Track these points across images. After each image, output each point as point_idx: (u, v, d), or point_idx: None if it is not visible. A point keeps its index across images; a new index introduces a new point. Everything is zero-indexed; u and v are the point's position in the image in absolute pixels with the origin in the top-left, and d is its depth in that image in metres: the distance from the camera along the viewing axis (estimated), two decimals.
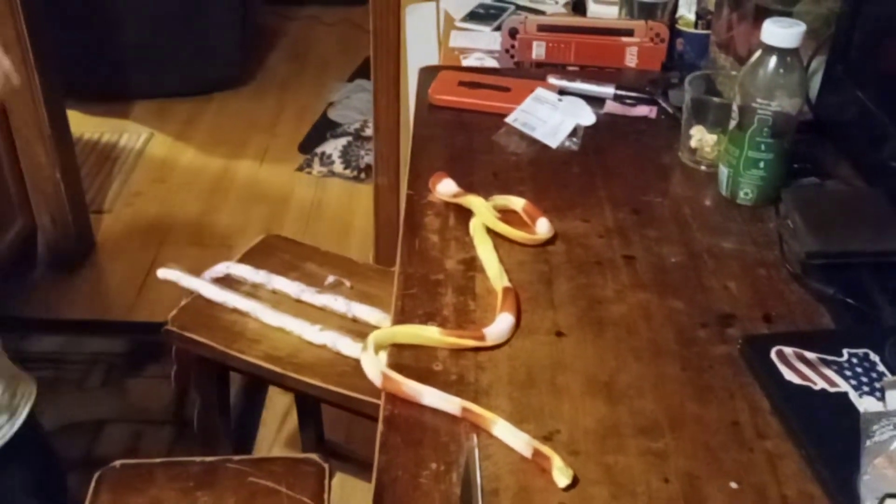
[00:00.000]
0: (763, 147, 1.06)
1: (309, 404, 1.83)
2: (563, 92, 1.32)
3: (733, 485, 0.73)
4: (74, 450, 1.97)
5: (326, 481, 1.20)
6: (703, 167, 1.17)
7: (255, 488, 1.18)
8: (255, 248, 1.63)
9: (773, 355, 0.83)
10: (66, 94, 2.57)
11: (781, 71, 1.03)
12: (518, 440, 0.75)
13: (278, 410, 2.11)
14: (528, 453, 0.75)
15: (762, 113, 1.04)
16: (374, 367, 0.82)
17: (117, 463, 1.21)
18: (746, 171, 1.08)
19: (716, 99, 1.18)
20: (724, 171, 1.11)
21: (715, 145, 1.15)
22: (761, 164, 1.07)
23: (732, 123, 1.08)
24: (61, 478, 1.38)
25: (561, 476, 0.72)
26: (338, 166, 3.02)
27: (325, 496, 1.18)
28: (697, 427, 0.78)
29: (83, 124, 3.21)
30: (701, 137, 1.16)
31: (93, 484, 1.18)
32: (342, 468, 1.92)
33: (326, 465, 1.22)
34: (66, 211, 2.49)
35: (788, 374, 0.81)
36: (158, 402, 2.12)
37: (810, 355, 0.83)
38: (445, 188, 1.08)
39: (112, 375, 2.20)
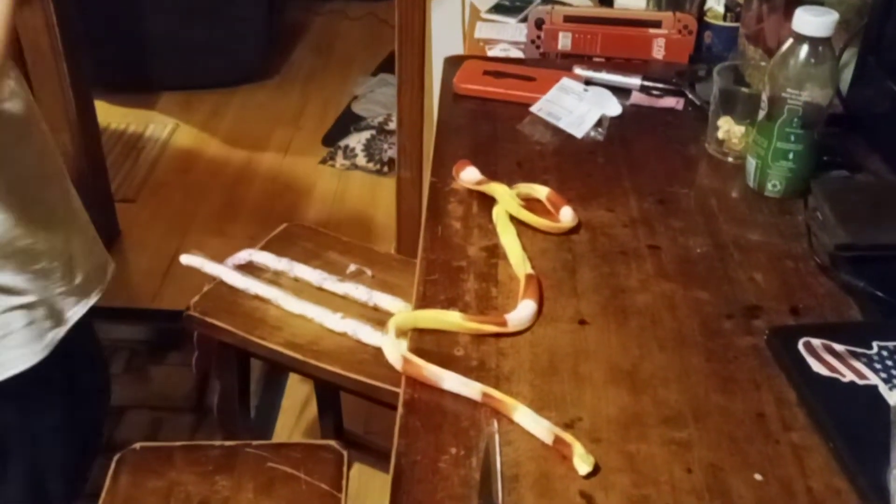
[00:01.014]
0: (792, 138, 1.04)
1: (328, 393, 1.83)
2: (588, 82, 1.31)
3: (758, 476, 0.72)
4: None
5: (345, 468, 1.20)
6: (730, 159, 1.16)
7: (274, 474, 1.18)
8: (277, 235, 1.63)
9: (800, 346, 0.81)
10: (94, 84, 2.59)
11: (813, 60, 1.01)
12: (539, 427, 0.74)
13: (298, 399, 2.11)
14: (549, 440, 0.74)
15: (792, 103, 1.03)
16: (395, 350, 0.82)
17: (137, 445, 1.22)
18: (775, 163, 1.06)
19: (744, 89, 1.16)
20: (751, 163, 1.09)
21: (743, 136, 1.14)
22: (790, 156, 1.05)
23: (761, 114, 1.07)
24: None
25: (582, 463, 0.71)
26: (361, 159, 3.02)
27: (343, 483, 1.17)
28: (722, 418, 0.77)
29: (110, 114, 3.24)
30: (728, 128, 1.15)
31: (112, 466, 1.19)
32: (360, 458, 1.92)
33: (345, 453, 1.22)
34: (91, 200, 2.50)
35: (816, 366, 0.80)
36: (180, 390, 2.13)
37: (839, 347, 0.81)
38: (469, 176, 1.07)
39: (134, 362, 2.21)
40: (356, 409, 1.94)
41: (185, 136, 3.22)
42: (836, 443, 0.73)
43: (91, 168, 2.47)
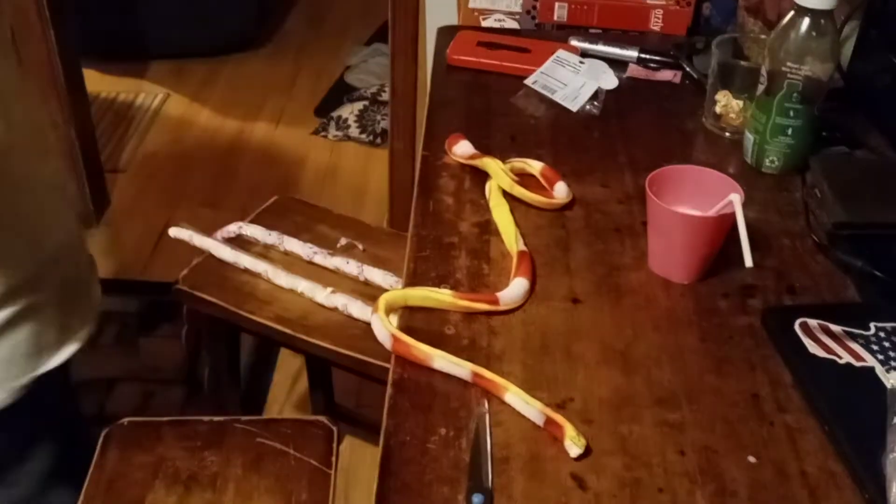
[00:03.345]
0: (791, 113, 1.03)
1: (319, 367, 1.82)
2: (585, 54, 1.28)
3: (751, 459, 0.71)
4: (85, 407, 1.96)
5: (335, 444, 1.19)
6: (727, 134, 1.14)
7: (263, 449, 1.17)
8: (267, 208, 1.61)
9: (796, 327, 0.80)
10: (84, 52, 2.54)
11: (814, 34, 0.99)
12: (530, 408, 0.73)
13: (289, 372, 2.10)
14: (540, 421, 0.73)
15: (792, 78, 1.01)
16: (384, 328, 0.80)
17: (125, 420, 1.20)
18: (773, 138, 1.05)
19: (743, 63, 1.14)
20: (749, 138, 1.07)
21: (741, 111, 1.12)
22: (789, 131, 1.04)
23: (760, 88, 1.05)
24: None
25: (573, 445, 0.70)
26: (354, 130, 2.99)
27: (333, 459, 1.16)
28: (716, 399, 0.76)
29: (100, 83, 3.19)
30: (726, 103, 1.13)
31: (100, 441, 1.17)
32: (352, 432, 1.92)
33: (335, 428, 1.21)
34: (80, 170, 2.47)
35: (812, 347, 0.78)
36: (170, 362, 2.12)
37: (836, 328, 0.80)
38: (462, 150, 1.05)
39: (125, 334, 2.20)
40: (347, 382, 1.93)
41: (176, 105, 3.18)
42: (832, 425, 0.72)
43: (80, 138, 2.43)
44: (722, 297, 0.87)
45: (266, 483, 1.13)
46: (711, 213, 0.85)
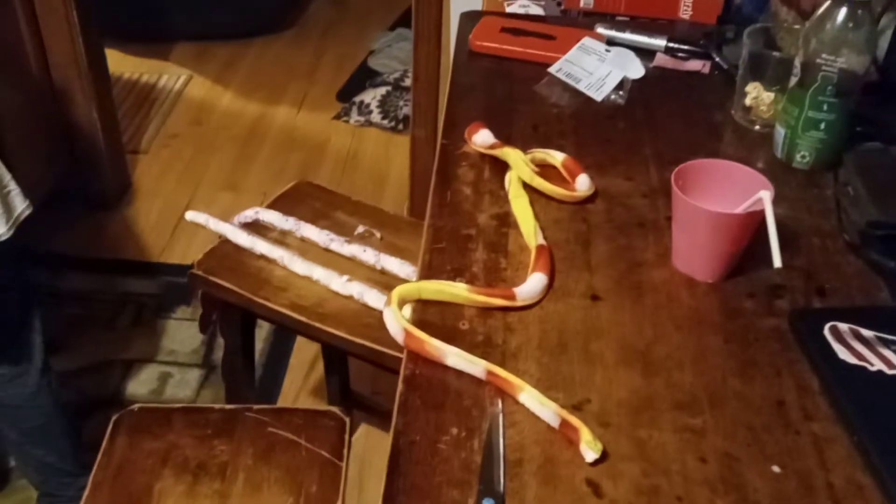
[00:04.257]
0: (825, 107, 0.99)
1: (335, 354, 1.80)
2: (611, 42, 1.25)
3: (775, 469, 0.68)
4: (102, 389, 1.98)
5: (347, 435, 1.17)
6: (757, 127, 1.10)
7: (274, 439, 1.15)
8: (285, 193, 1.59)
9: (826, 331, 0.77)
10: (108, 33, 2.53)
11: (850, 25, 0.95)
12: (545, 409, 0.71)
13: (305, 358, 2.09)
14: (555, 423, 0.70)
15: (827, 70, 0.97)
16: (397, 322, 0.78)
17: (135, 406, 1.19)
18: (805, 133, 1.01)
19: (776, 54, 1.10)
20: (780, 132, 1.04)
21: (772, 104, 1.08)
22: (822, 126, 1.00)
23: (793, 81, 1.01)
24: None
25: (589, 449, 0.67)
26: (376, 116, 2.96)
27: (345, 451, 1.15)
28: (739, 404, 0.73)
29: (123, 64, 3.19)
30: (757, 95, 1.09)
31: (110, 426, 1.16)
32: (367, 419, 1.91)
33: (347, 419, 1.19)
34: (102, 150, 2.47)
35: (842, 353, 0.75)
36: (188, 345, 2.11)
37: (867, 333, 0.77)
38: (482, 139, 1.02)
39: (142, 316, 2.19)
40: (363, 369, 1.91)
41: (199, 87, 3.17)
42: (861, 435, 0.69)
43: (102, 118, 2.42)
44: (748, 297, 0.84)
45: (276, 474, 1.11)
46: (740, 210, 0.82)
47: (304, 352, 2.10)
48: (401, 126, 2.92)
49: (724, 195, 0.86)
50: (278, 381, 2.03)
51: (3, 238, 1.29)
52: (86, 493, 1.09)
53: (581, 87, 1.16)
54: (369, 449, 1.86)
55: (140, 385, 2.00)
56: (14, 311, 1.42)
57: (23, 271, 1.49)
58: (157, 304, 2.22)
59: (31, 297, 1.46)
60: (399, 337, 0.78)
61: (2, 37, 2.10)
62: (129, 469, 1.11)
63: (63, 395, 1.75)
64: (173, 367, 2.06)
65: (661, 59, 1.24)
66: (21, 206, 1.33)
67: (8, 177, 1.32)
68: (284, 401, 1.99)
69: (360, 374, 1.92)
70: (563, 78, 1.17)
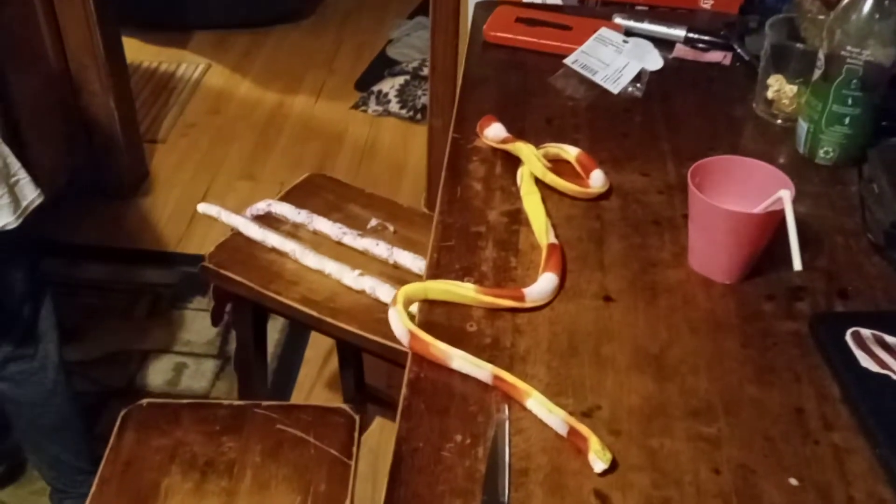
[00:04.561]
0: (850, 101, 0.96)
1: (350, 348, 1.79)
2: (629, 33, 1.22)
3: (793, 481, 0.65)
4: (118, 379, 1.98)
5: (356, 434, 1.15)
6: (779, 121, 1.07)
7: (283, 436, 1.14)
8: (298, 186, 1.57)
9: (848, 337, 0.74)
10: (126, 21, 2.53)
11: (877, 16, 0.92)
12: (553, 416, 0.68)
13: (321, 350, 2.07)
14: (563, 431, 0.68)
15: (852, 63, 0.94)
16: (402, 324, 0.76)
17: (144, 402, 1.18)
18: (829, 128, 0.98)
19: (799, 45, 1.07)
20: (803, 126, 1.01)
21: (795, 97, 1.05)
22: (846, 120, 0.97)
23: (817, 73, 0.98)
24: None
25: (598, 459, 0.65)
26: (394, 106, 2.94)
27: (354, 449, 1.13)
28: (756, 413, 0.70)
29: (141, 53, 3.18)
30: (779, 88, 1.06)
31: (118, 421, 1.15)
32: (381, 413, 1.89)
33: (357, 417, 1.17)
34: (119, 139, 2.46)
35: (865, 360, 0.72)
36: (203, 336, 2.10)
37: (891, 339, 0.74)
38: (494, 133, 0.99)
39: (158, 306, 2.19)
40: (378, 362, 1.88)
41: (217, 76, 3.16)
42: (883, 447, 0.66)
43: (119, 107, 2.42)
44: (766, 300, 0.81)
45: (284, 472, 1.10)
46: (759, 209, 0.79)
47: (320, 344, 2.08)
48: (419, 116, 2.90)
49: (743, 193, 0.83)
50: (293, 374, 2.02)
51: (10, 227, 1.27)
52: (93, 488, 1.08)
53: (597, 79, 1.13)
54: (383, 442, 1.84)
55: (155, 375, 2.00)
56: (27, 304, 1.41)
57: (36, 266, 1.47)
58: (173, 295, 2.22)
59: (44, 294, 1.44)
60: (404, 339, 0.76)
61: (19, 26, 2.10)
62: (136, 465, 1.10)
63: (78, 386, 1.76)
64: (189, 358, 2.05)
65: (680, 50, 1.21)
66: (31, 195, 1.32)
67: (17, 165, 1.30)
68: (299, 393, 1.98)
69: (375, 367, 1.91)
70: (579, 69, 1.14)
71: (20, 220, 1.28)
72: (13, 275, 1.36)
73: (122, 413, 1.16)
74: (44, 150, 2.17)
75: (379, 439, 1.85)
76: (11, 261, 1.34)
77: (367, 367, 1.86)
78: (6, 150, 1.28)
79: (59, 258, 2.28)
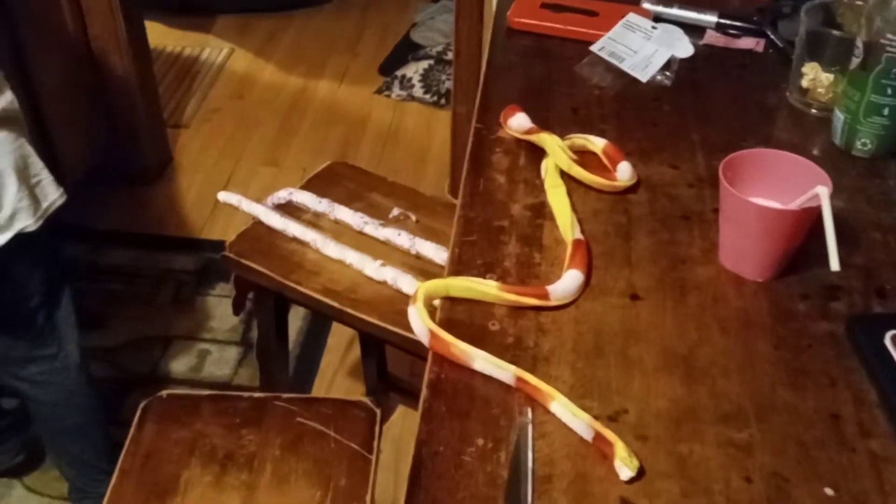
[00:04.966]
0: (889, 91, 0.92)
1: (371, 337, 1.77)
2: (658, 19, 1.19)
3: (828, 491, 0.63)
4: (142, 365, 1.98)
5: (377, 428, 1.14)
6: (814, 111, 1.04)
7: (303, 430, 1.13)
8: (319, 174, 1.55)
9: (887, 339, 0.71)
10: (150, 6, 2.52)
11: None
12: (578, 420, 0.66)
13: (343, 338, 2.07)
14: (588, 436, 0.66)
15: (892, 51, 0.90)
16: (422, 323, 0.74)
17: (164, 393, 1.18)
18: (867, 119, 0.94)
19: (836, 32, 1.03)
20: (839, 117, 0.97)
21: (830, 86, 1.02)
22: (885, 111, 0.93)
23: (854, 62, 0.94)
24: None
25: (624, 466, 0.63)
26: (418, 90, 2.91)
27: (375, 444, 1.12)
28: (790, 418, 0.68)
29: (165, 37, 3.18)
30: (815, 76, 1.03)
31: (138, 413, 1.15)
32: (404, 402, 1.88)
33: (378, 411, 1.16)
34: (142, 125, 2.46)
35: None
36: (226, 322, 2.10)
37: None
38: (518, 123, 0.97)
39: (182, 292, 2.19)
40: (400, 352, 1.88)
41: (241, 60, 3.15)
42: None
43: (143, 92, 2.41)
44: (800, 299, 0.78)
45: (304, 466, 1.09)
46: (794, 205, 0.76)
47: (342, 332, 2.07)
48: (443, 101, 2.87)
49: (777, 188, 0.80)
50: (315, 363, 2.02)
51: (30, 230, 1.25)
52: (113, 479, 1.08)
53: (625, 66, 1.10)
54: (406, 432, 1.83)
55: (179, 362, 2.00)
56: (46, 305, 1.39)
57: (57, 265, 1.45)
58: (196, 281, 2.22)
59: (64, 293, 1.42)
60: (424, 338, 0.74)
61: (42, 11, 2.09)
62: (156, 457, 1.09)
63: (102, 372, 1.76)
64: (212, 345, 2.05)
65: (711, 37, 1.17)
66: (52, 195, 1.30)
67: (40, 165, 1.28)
68: (321, 382, 1.97)
69: (398, 356, 1.89)
70: (606, 57, 1.11)
71: (40, 223, 1.26)
72: (32, 276, 1.35)
73: (141, 405, 1.16)
74: (67, 136, 2.16)
75: (402, 429, 1.84)
76: (31, 262, 1.32)
77: (390, 356, 1.85)
78: (29, 150, 1.26)
79: (82, 244, 2.29)
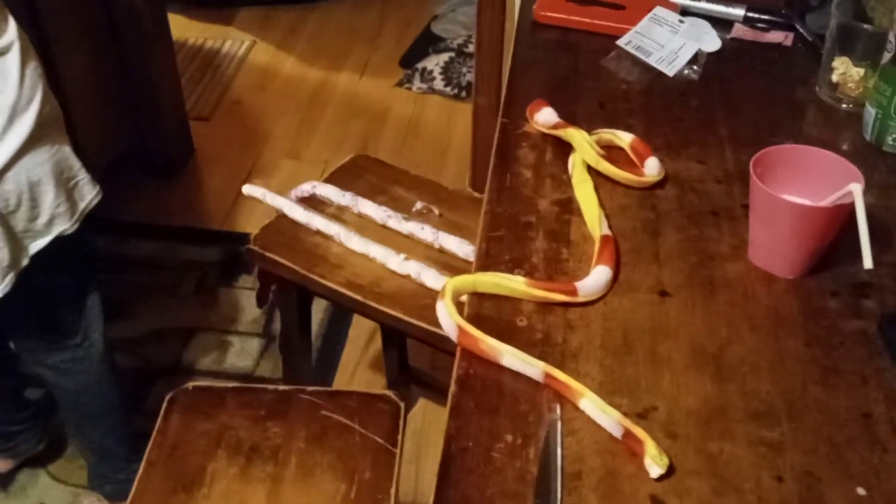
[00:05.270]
0: None
1: (393, 330, 1.78)
2: (685, 12, 1.18)
3: (860, 491, 0.62)
4: (164, 356, 1.99)
5: (401, 421, 1.14)
6: (844, 105, 1.02)
7: (328, 422, 1.13)
8: (343, 167, 1.56)
9: None
10: None
11: None
12: (607, 417, 0.66)
13: (364, 331, 2.07)
14: (617, 433, 0.66)
15: None
16: (450, 318, 0.74)
17: (189, 385, 1.18)
18: None
19: (867, 26, 1.02)
20: (870, 112, 0.96)
21: (861, 81, 1.01)
22: None
23: (886, 56, 0.93)
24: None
25: (654, 464, 0.63)
26: (438, 83, 2.91)
27: (399, 437, 1.12)
28: (821, 417, 0.67)
29: (187, 29, 3.19)
30: (845, 71, 1.01)
31: (164, 405, 1.15)
32: (425, 395, 1.88)
33: (402, 404, 1.16)
34: (166, 117, 2.47)
35: None
36: (248, 314, 2.11)
37: None
38: (544, 118, 0.97)
39: (204, 284, 2.20)
40: (422, 344, 1.88)
41: (262, 53, 3.15)
42: None
43: (166, 85, 2.43)
44: (831, 296, 0.78)
45: (329, 459, 1.09)
46: (827, 202, 0.75)
47: (363, 324, 2.08)
48: (464, 94, 2.87)
49: (807, 184, 0.79)
50: (336, 355, 2.02)
51: (68, 233, 1.25)
52: (140, 470, 1.08)
53: (652, 61, 1.09)
54: (427, 425, 1.84)
55: (201, 353, 2.01)
56: (76, 297, 1.41)
57: (87, 259, 1.46)
58: (218, 273, 2.23)
59: (93, 285, 1.44)
60: (452, 334, 0.74)
61: (67, 5, 2.10)
62: (182, 449, 1.10)
63: (125, 363, 1.77)
64: (234, 336, 2.06)
65: (739, 31, 1.16)
66: (89, 195, 1.30)
67: (77, 166, 1.28)
68: (342, 375, 1.98)
69: (419, 349, 1.90)
70: (633, 51, 1.11)
71: (77, 225, 1.27)
72: (63, 269, 1.35)
73: (168, 396, 1.16)
74: (92, 128, 2.18)
75: (423, 422, 1.84)
76: (63, 258, 1.32)
77: (411, 349, 1.85)
78: (67, 153, 1.25)
79: (106, 235, 2.30)
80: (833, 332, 0.74)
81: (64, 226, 1.25)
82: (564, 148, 0.94)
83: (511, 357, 0.71)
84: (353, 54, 3.14)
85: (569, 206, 0.87)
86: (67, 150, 1.26)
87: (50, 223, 1.23)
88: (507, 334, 0.73)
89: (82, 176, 1.28)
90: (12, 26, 1.15)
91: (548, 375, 0.69)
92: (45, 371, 1.45)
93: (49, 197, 1.21)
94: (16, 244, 1.20)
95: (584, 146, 0.91)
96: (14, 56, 1.14)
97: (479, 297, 0.78)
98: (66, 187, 1.25)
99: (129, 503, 1.04)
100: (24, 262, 1.22)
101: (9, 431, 1.63)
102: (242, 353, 2.03)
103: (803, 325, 0.75)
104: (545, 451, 0.64)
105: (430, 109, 2.86)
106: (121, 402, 1.54)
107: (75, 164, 1.27)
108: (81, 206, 1.28)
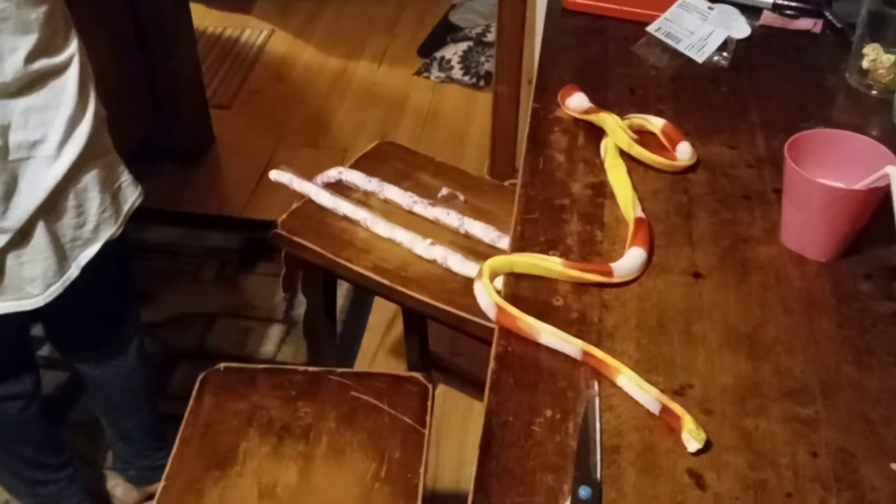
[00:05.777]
0: None
1: (414, 315, 1.79)
2: None
3: (895, 466, 0.64)
4: (186, 341, 2.02)
5: (430, 402, 1.16)
6: (874, 92, 1.03)
7: (357, 403, 1.15)
8: (368, 153, 1.57)
9: None
10: None
11: None
12: (644, 394, 0.67)
13: (384, 316, 2.09)
14: (655, 409, 0.67)
15: None
16: (489, 297, 0.75)
17: (221, 366, 1.20)
18: None
19: None
20: None
21: (892, 67, 1.01)
22: None
23: None
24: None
25: (692, 439, 0.64)
26: (456, 72, 2.92)
27: (428, 418, 1.14)
28: (855, 395, 0.69)
29: (206, 18, 3.20)
30: (875, 57, 1.02)
31: (196, 385, 1.17)
32: (445, 380, 1.90)
33: (430, 386, 1.17)
34: (187, 105, 2.49)
35: None
36: (269, 300, 2.13)
37: None
38: (576, 103, 0.98)
39: (225, 270, 2.22)
40: (442, 330, 1.89)
41: (281, 41, 3.17)
42: None
43: (187, 73, 2.44)
44: (864, 279, 0.79)
45: (359, 438, 1.11)
46: (862, 185, 0.76)
47: (383, 310, 2.10)
48: (482, 83, 2.87)
49: (841, 168, 0.80)
50: (357, 340, 2.04)
51: (114, 237, 1.23)
52: (174, 448, 1.10)
53: (681, 47, 1.10)
54: (447, 410, 1.85)
55: (222, 339, 2.04)
56: (116, 296, 1.42)
57: (127, 259, 1.44)
58: (239, 259, 2.25)
59: (131, 282, 1.44)
60: (491, 312, 0.75)
61: None
62: (215, 428, 1.12)
63: (148, 347, 1.79)
64: (255, 322, 2.08)
65: (768, 17, 1.17)
66: (132, 196, 1.27)
67: (121, 167, 1.24)
68: (363, 360, 2.00)
69: (440, 335, 1.91)
70: (663, 38, 1.11)
71: (121, 228, 1.25)
72: (107, 272, 1.33)
73: (200, 376, 1.18)
74: (113, 115, 2.18)
75: (442, 406, 1.86)
76: (107, 261, 1.28)
77: (431, 335, 1.87)
78: (114, 154, 1.23)
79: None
80: (866, 314, 0.75)
81: (110, 231, 1.22)
82: (596, 133, 0.95)
83: (549, 335, 0.72)
84: (371, 43, 3.15)
85: (602, 190, 0.88)
86: (113, 154, 1.24)
87: (97, 229, 1.20)
88: (543, 314, 0.75)
89: (125, 178, 1.26)
90: (74, 40, 1.13)
91: (585, 353, 0.71)
92: (81, 364, 1.46)
93: (95, 203, 1.18)
94: (62, 254, 1.17)
95: (617, 131, 0.92)
96: (74, 70, 1.12)
97: (515, 277, 0.79)
98: (111, 191, 1.22)
99: (164, 478, 1.06)
100: (74, 272, 1.20)
101: (47, 479, 1.50)
102: (263, 338, 2.05)
103: (836, 307, 0.76)
104: (584, 426, 0.66)
105: (449, 98, 2.87)
106: (150, 394, 1.56)
107: (119, 165, 1.25)
108: (125, 208, 1.26)
